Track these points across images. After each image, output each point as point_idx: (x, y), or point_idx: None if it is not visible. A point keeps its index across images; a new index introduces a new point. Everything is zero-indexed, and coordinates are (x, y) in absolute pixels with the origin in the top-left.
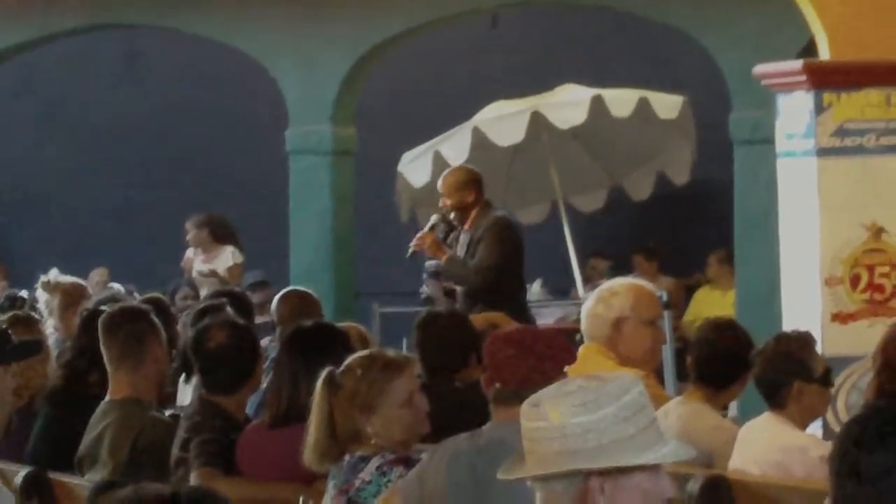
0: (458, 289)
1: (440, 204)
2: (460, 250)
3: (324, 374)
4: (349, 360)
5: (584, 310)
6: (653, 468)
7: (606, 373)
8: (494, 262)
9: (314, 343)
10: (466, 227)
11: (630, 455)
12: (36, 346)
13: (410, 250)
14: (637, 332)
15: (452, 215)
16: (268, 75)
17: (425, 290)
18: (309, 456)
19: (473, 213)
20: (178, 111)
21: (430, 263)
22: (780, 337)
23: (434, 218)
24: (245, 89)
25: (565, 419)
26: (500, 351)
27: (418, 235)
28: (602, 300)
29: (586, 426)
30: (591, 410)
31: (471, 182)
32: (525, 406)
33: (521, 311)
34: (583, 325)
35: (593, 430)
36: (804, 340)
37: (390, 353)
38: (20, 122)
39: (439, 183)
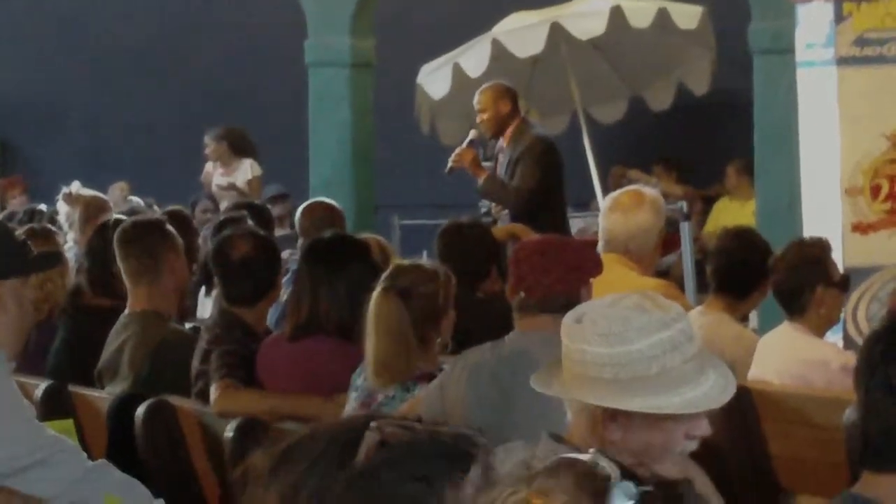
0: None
1: (476, 119)
2: (500, 170)
3: (385, 284)
4: (418, 267)
5: (609, 220)
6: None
7: (661, 299)
8: (534, 185)
9: (333, 254)
10: (505, 144)
11: (644, 396)
12: (55, 258)
13: (449, 166)
14: (659, 240)
15: (473, 133)
16: None
17: (485, 203)
18: (384, 375)
19: (511, 128)
20: (196, 23)
21: None
22: (799, 242)
23: (472, 133)
24: (262, 1)
25: (587, 345)
26: (525, 260)
27: (457, 151)
28: (628, 211)
29: (605, 358)
30: (613, 343)
31: (506, 94)
32: (567, 318)
33: (561, 228)
34: (606, 236)
35: (610, 364)
36: (823, 245)
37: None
38: (36, 37)
39: (475, 97)
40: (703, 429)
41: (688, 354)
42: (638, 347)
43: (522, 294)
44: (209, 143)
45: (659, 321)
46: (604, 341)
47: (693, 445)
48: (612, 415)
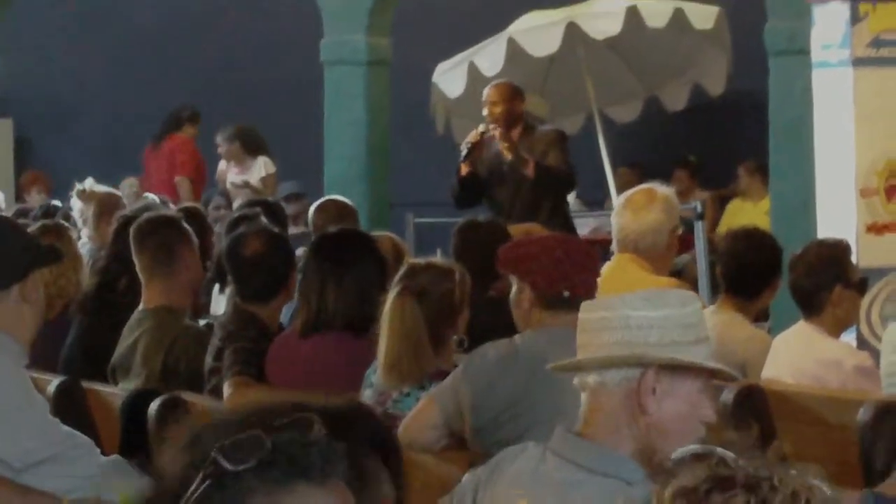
0: None
1: (485, 112)
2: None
3: (400, 285)
4: (433, 266)
5: (621, 219)
6: (703, 383)
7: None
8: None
9: (340, 249)
10: (506, 145)
11: (693, 358)
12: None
13: (465, 152)
14: (673, 241)
15: (493, 128)
16: None
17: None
18: (394, 375)
19: (519, 129)
20: (210, 19)
21: None
22: (819, 243)
23: (482, 127)
24: None
25: (630, 311)
26: (567, 259)
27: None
28: (640, 210)
29: (650, 321)
30: (655, 306)
31: (519, 94)
32: (587, 301)
33: (565, 222)
34: (618, 235)
35: (657, 326)
36: (843, 246)
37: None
38: (52, 29)
39: (487, 90)
40: (713, 415)
41: (707, 333)
42: (676, 313)
43: (567, 293)
44: (221, 144)
45: (681, 296)
46: (648, 304)
47: (703, 431)
48: (654, 385)
